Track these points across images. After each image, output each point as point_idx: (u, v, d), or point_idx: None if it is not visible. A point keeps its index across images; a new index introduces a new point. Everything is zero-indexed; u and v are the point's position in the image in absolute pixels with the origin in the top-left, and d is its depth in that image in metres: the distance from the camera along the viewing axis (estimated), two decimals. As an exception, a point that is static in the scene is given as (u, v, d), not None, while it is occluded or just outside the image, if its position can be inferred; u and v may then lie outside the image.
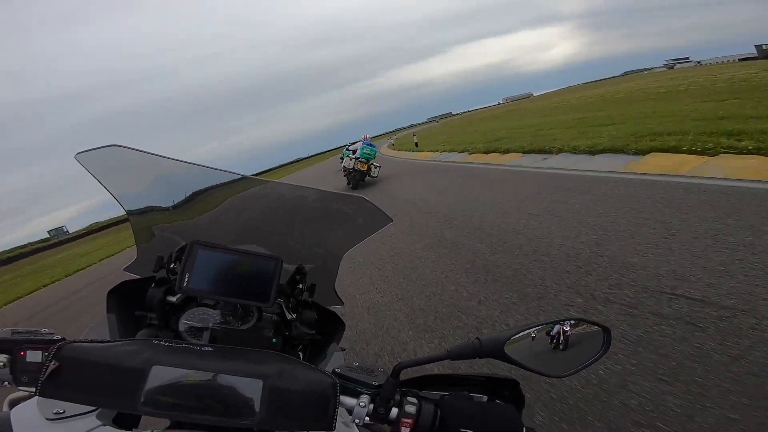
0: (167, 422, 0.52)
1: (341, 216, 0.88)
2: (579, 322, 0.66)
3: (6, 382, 0.54)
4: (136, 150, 0.72)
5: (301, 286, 0.85)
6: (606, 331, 0.65)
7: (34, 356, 0.53)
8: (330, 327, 0.88)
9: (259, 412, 0.50)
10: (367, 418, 0.62)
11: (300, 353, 0.83)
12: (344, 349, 0.87)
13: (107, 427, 0.52)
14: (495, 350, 0.59)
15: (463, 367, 1.99)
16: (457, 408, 0.62)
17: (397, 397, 0.63)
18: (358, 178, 11.45)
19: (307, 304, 0.85)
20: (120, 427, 0.53)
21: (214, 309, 0.76)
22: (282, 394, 0.52)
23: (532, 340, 0.63)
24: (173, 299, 0.75)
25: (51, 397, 0.47)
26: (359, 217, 0.88)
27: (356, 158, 11.35)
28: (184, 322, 0.74)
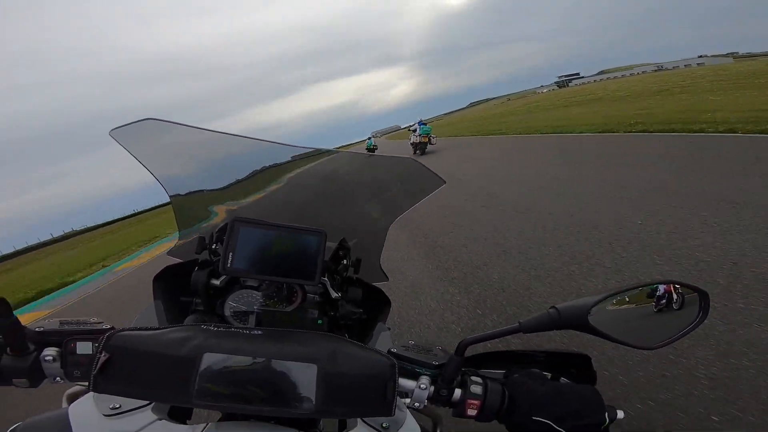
0: (219, 414, 0.50)
1: (387, 182, 0.82)
2: (671, 285, 0.56)
3: (58, 378, 0.52)
4: (172, 122, 0.68)
5: (345, 261, 0.80)
6: (703, 295, 0.56)
7: (84, 348, 0.50)
8: (375, 305, 0.83)
9: (315, 399, 0.46)
10: (427, 401, 0.57)
11: (345, 333, 0.79)
12: (389, 329, 0.82)
13: (163, 421, 0.51)
14: (576, 320, 0.51)
15: (515, 343, 1.91)
16: (528, 388, 0.56)
17: (459, 377, 0.57)
18: (423, 147, 16.89)
19: (352, 281, 0.80)
20: (174, 420, 0.51)
21: (258, 291, 0.73)
22: (338, 379, 0.48)
23: (618, 307, 0.54)
24: (217, 282, 0.73)
25: (104, 392, 0.45)
26: (407, 182, 0.81)
27: (419, 134, 17.05)
28: (229, 305, 0.72)
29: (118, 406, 0.54)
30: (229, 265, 0.62)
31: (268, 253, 0.63)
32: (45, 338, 0.51)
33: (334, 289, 0.75)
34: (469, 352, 0.56)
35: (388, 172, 0.83)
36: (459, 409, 0.56)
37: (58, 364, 0.50)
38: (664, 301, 0.55)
